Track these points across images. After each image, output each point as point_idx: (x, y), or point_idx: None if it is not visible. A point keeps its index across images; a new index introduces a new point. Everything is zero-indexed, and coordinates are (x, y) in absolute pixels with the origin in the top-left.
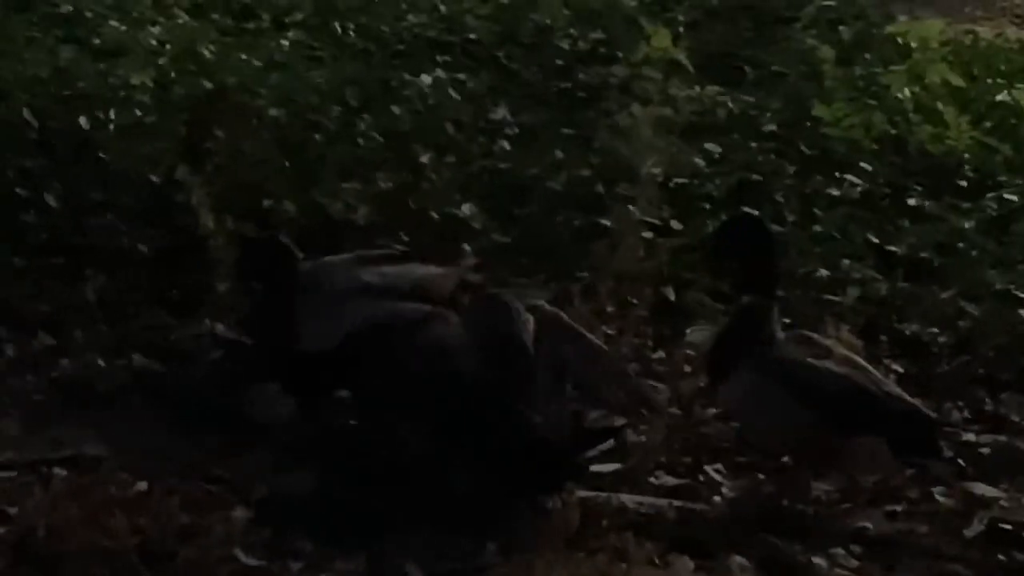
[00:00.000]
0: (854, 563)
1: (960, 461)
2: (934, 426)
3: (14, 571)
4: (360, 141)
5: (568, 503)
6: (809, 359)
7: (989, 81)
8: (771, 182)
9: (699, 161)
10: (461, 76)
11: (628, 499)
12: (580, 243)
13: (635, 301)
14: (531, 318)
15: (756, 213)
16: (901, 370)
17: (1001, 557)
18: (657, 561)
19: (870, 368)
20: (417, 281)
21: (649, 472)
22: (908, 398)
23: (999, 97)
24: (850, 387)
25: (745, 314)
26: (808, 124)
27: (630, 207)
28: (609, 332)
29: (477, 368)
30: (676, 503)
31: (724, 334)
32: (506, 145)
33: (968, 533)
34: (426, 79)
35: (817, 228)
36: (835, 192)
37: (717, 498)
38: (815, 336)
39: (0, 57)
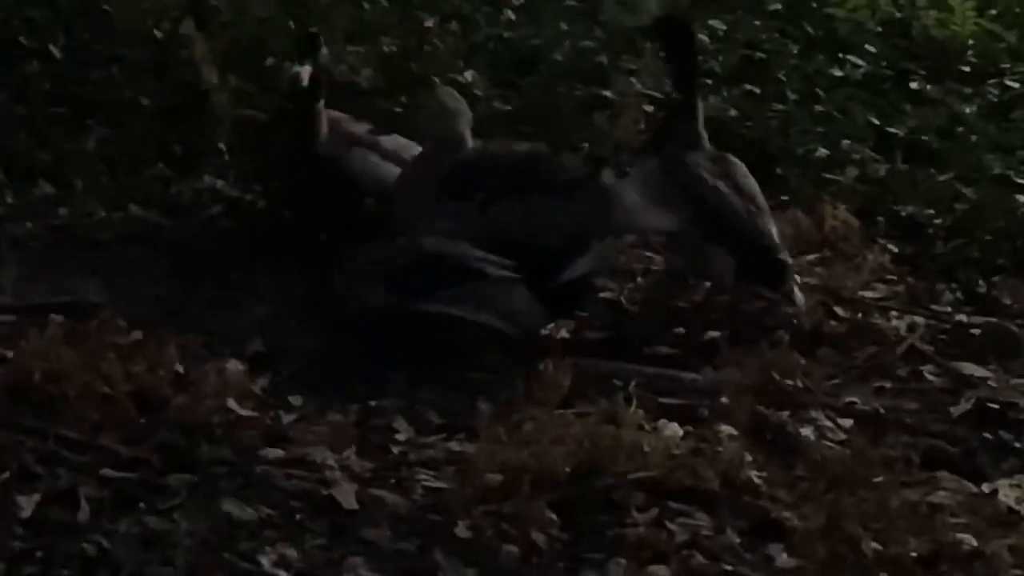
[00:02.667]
0: (841, 436)
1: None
2: (781, 266)
3: (10, 412)
4: (365, 4)
5: (560, 366)
6: (704, 171)
7: None
8: (775, 60)
9: (703, 37)
10: None
11: (619, 365)
12: (581, 113)
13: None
14: None
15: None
16: (896, 250)
17: (987, 435)
18: (646, 426)
19: (761, 208)
20: None
21: (643, 341)
22: (774, 238)
23: None
24: (723, 203)
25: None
26: (813, 4)
27: (632, 79)
28: None
29: None
30: (668, 372)
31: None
32: (511, 15)
33: (955, 411)
34: None
35: (819, 108)
36: (838, 73)
37: (709, 368)
38: (729, 156)
39: None
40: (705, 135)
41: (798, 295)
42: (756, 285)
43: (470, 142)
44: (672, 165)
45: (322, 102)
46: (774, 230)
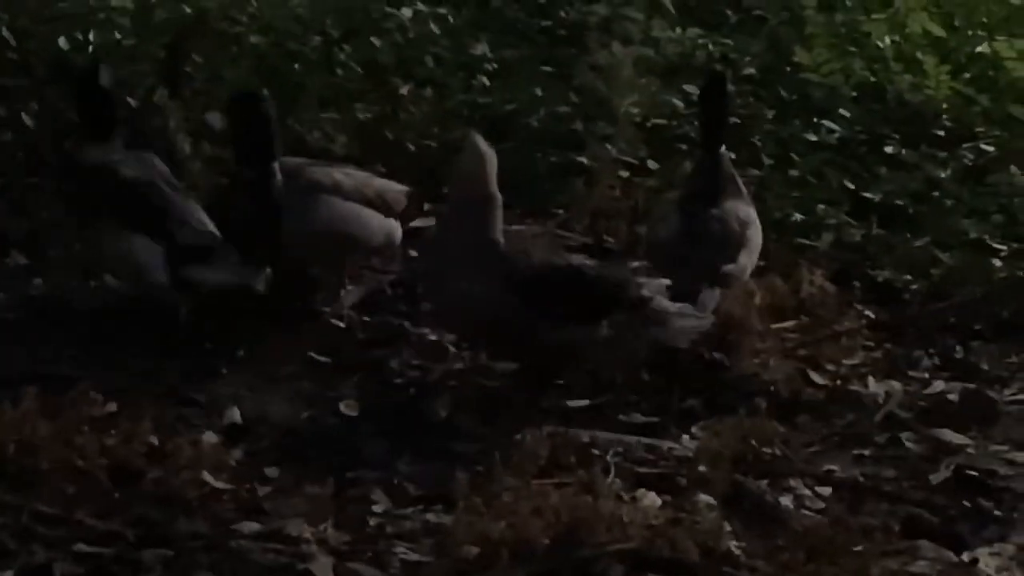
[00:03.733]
0: (820, 504)
1: None
2: None
3: None
4: (339, 71)
5: (537, 436)
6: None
7: (969, 32)
8: (749, 125)
9: (678, 102)
10: (442, 10)
11: (597, 435)
12: (557, 179)
13: (610, 239)
14: None
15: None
16: (873, 316)
17: (966, 503)
18: (624, 496)
19: None
20: (379, 189)
21: (620, 409)
22: None
23: (979, 48)
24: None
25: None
26: (788, 69)
27: (608, 145)
28: None
29: None
30: (645, 440)
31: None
32: (485, 80)
33: (934, 479)
34: (407, 12)
35: (794, 172)
36: (813, 137)
37: (686, 436)
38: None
39: None
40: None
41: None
42: None
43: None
44: None
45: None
46: None
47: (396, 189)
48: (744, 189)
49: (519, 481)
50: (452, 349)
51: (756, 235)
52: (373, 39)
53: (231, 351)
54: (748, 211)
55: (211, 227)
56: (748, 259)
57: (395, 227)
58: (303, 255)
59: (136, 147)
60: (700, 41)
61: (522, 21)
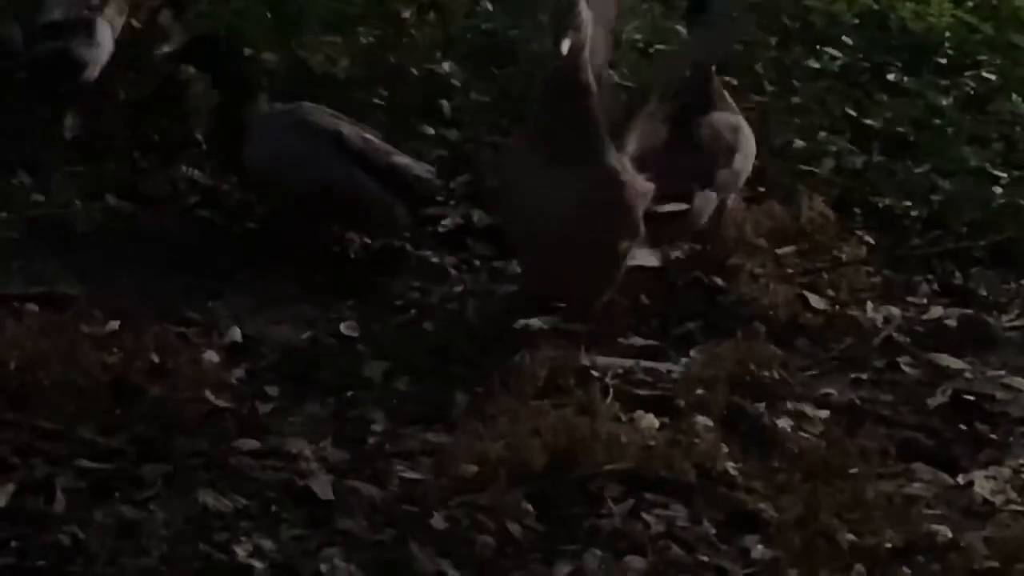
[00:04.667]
0: (817, 427)
1: None
2: None
3: None
4: None
5: (535, 359)
6: None
7: None
8: (752, 52)
9: (680, 28)
10: None
11: (596, 357)
12: None
13: None
14: None
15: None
16: (873, 241)
17: (962, 426)
18: (622, 417)
19: None
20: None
21: (618, 332)
22: None
23: None
24: None
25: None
26: None
27: (609, 71)
28: None
29: None
30: (644, 363)
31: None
32: (489, 5)
33: (931, 403)
34: None
35: (796, 99)
36: (815, 64)
37: (684, 359)
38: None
39: None
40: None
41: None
42: None
43: None
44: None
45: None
46: None
47: (420, 170)
48: (732, 103)
49: (517, 402)
50: (453, 272)
51: (748, 142)
52: None
53: (232, 272)
54: (738, 119)
55: None
56: (743, 164)
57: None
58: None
59: None
60: None
61: None
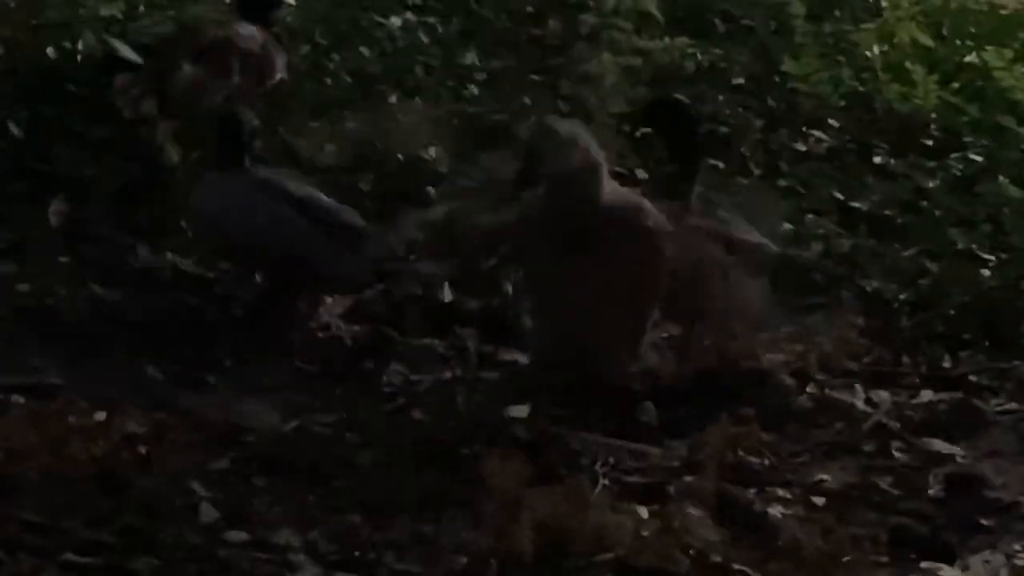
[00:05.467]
0: (809, 514)
1: None
2: None
3: None
4: (329, 80)
5: (525, 444)
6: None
7: (958, 42)
8: (738, 135)
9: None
10: (431, 20)
11: (585, 439)
12: None
13: None
14: None
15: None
16: (862, 325)
17: (955, 512)
18: (613, 506)
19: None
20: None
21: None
22: None
23: (968, 58)
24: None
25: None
26: (776, 79)
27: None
28: None
29: None
30: (633, 446)
31: None
32: (474, 90)
33: (931, 491)
34: (396, 21)
35: (782, 182)
36: (801, 147)
37: (675, 443)
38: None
39: None
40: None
41: None
42: None
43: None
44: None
45: None
46: None
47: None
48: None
49: (507, 492)
50: (442, 358)
51: None
52: (362, 48)
53: (219, 360)
54: None
55: None
56: None
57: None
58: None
59: None
60: (689, 51)
61: (511, 31)
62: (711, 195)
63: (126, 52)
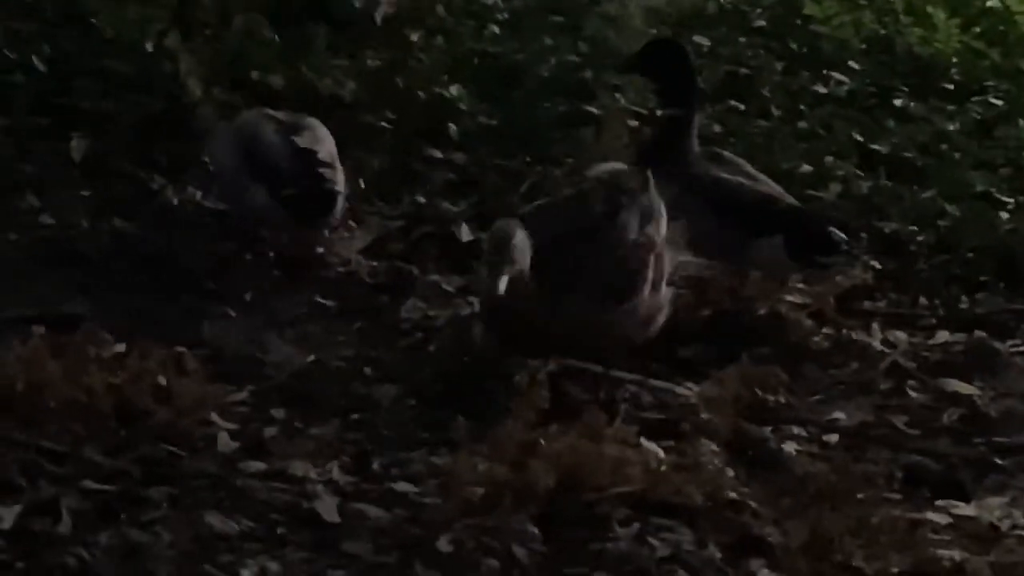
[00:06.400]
0: (823, 452)
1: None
2: (825, 226)
3: None
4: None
5: (540, 378)
6: (720, 174)
7: None
8: (759, 77)
9: None
10: None
11: (602, 375)
12: (565, 128)
13: None
14: None
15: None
16: (879, 267)
17: (969, 451)
18: (629, 441)
19: (771, 183)
20: None
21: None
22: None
23: (989, 2)
24: (753, 196)
25: (664, 126)
26: (798, 21)
27: (616, 95)
28: None
29: None
30: (651, 382)
31: (644, 147)
32: (495, 29)
33: (938, 427)
34: None
35: (802, 124)
36: (822, 89)
37: (691, 383)
38: (725, 153)
39: None
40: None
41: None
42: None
43: None
44: (691, 180)
45: None
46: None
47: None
48: None
49: (523, 425)
50: (458, 295)
51: None
52: None
53: (239, 294)
54: None
55: None
56: None
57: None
58: None
59: None
60: None
61: None
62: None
63: None
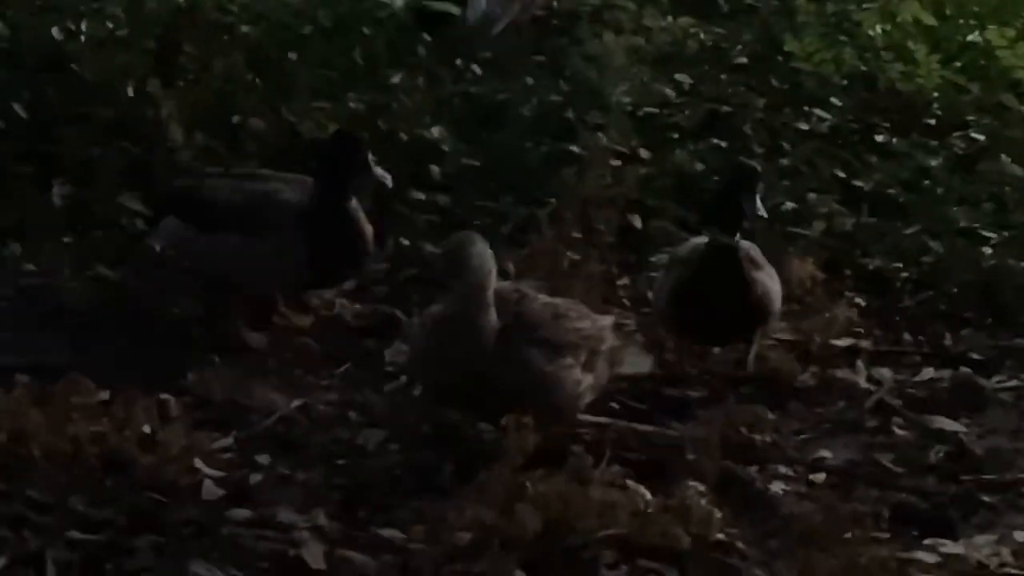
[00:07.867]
0: (810, 491)
1: None
2: None
3: None
4: (332, 61)
5: (526, 424)
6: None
7: (961, 21)
8: (740, 114)
9: (669, 91)
10: None
11: (589, 419)
12: (548, 169)
13: (601, 227)
14: None
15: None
16: (863, 303)
17: (956, 489)
18: (615, 483)
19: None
20: None
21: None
22: None
23: (970, 37)
24: None
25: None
26: (779, 58)
27: (599, 134)
28: (575, 258)
29: None
30: (636, 427)
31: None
32: (477, 69)
33: (925, 466)
34: (399, 2)
35: (784, 161)
36: (804, 126)
37: (676, 423)
38: None
39: None
40: None
41: None
42: None
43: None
44: None
45: None
46: None
47: None
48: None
49: (510, 469)
50: None
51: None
52: (365, 28)
53: (223, 339)
54: None
55: None
56: None
57: None
58: None
59: None
60: (691, 30)
61: None
62: None
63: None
